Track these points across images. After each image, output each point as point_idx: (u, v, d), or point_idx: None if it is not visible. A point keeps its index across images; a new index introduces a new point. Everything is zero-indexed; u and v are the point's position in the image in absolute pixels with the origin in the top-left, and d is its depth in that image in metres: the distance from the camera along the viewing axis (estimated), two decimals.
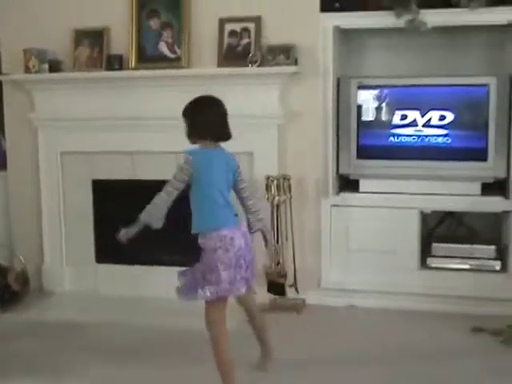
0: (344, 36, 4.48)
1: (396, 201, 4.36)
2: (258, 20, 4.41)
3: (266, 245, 3.48)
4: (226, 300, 3.12)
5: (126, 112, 4.56)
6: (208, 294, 3.05)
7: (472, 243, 4.39)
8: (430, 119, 4.31)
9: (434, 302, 4.29)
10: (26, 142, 4.88)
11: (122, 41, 4.62)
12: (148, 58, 4.59)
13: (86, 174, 4.82)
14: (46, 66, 4.64)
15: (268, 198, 4.34)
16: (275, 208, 4.37)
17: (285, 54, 4.33)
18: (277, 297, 4.46)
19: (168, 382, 3.44)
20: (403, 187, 4.37)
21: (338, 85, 4.41)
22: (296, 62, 4.35)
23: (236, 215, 3.19)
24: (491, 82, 4.17)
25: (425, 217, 4.46)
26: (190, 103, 3.20)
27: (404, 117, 4.36)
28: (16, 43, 4.69)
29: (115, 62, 4.59)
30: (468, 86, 4.29)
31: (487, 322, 3.98)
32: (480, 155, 4.25)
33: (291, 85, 4.40)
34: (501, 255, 4.34)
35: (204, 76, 4.44)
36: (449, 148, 4.32)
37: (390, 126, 4.40)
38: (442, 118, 4.29)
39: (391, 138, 4.40)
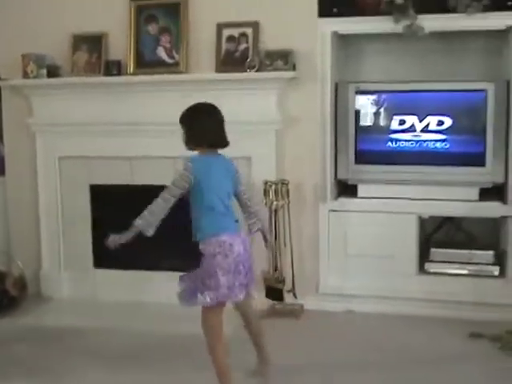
0: (342, 41, 4.49)
1: (394, 206, 4.36)
2: (255, 25, 4.42)
3: (266, 245, 3.51)
4: (223, 305, 3.13)
5: (124, 117, 4.56)
6: (208, 299, 3.06)
7: (470, 248, 4.39)
8: (428, 124, 4.32)
9: (432, 307, 4.28)
10: (24, 147, 4.87)
11: (120, 46, 4.62)
12: (146, 63, 4.59)
13: (84, 179, 4.81)
14: (45, 71, 4.64)
15: (266, 203, 4.33)
16: (273, 213, 4.36)
17: (283, 59, 4.33)
18: (275, 302, 4.46)
19: None
20: (401, 192, 4.37)
21: (336, 90, 4.41)
22: (294, 68, 4.36)
23: (236, 221, 3.19)
24: (489, 87, 4.18)
25: (423, 222, 4.46)
26: (187, 110, 3.20)
27: (402, 122, 4.36)
28: (14, 48, 4.68)
29: (113, 67, 4.60)
30: (466, 91, 4.30)
31: (486, 327, 3.97)
32: (478, 160, 4.25)
33: (289, 90, 4.40)
34: (499, 260, 4.34)
35: (202, 81, 4.45)
36: (447, 153, 4.32)
37: (388, 131, 4.40)
38: (440, 123, 4.29)
39: (389, 143, 4.40)
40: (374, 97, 4.41)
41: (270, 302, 4.45)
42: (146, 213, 3.03)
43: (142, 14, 4.59)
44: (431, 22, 4.12)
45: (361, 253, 4.42)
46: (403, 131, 4.37)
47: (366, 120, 4.43)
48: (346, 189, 4.54)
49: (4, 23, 4.80)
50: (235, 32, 4.46)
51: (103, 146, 4.67)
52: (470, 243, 4.48)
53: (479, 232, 4.55)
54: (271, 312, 4.40)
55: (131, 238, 3.03)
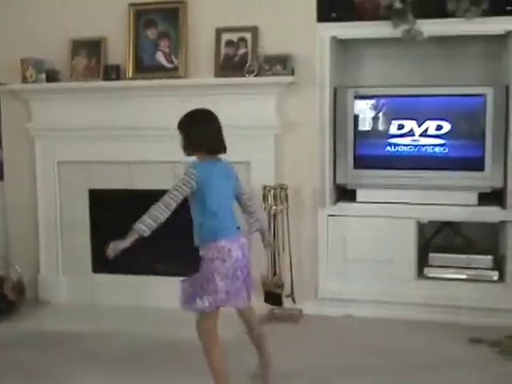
0: (341, 46, 4.49)
1: (393, 211, 4.36)
2: (254, 30, 4.42)
3: (265, 244, 3.51)
4: (219, 310, 3.13)
5: (123, 122, 4.56)
6: (206, 304, 3.06)
7: (469, 253, 4.38)
8: (426, 129, 4.32)
9: (431, 312, 4.28)
10: (23, 152, 4.87)
11: (119, 51, 4.63)
12: (145, 67, 4.60)
13: (82, 184, 4.81)
14: (43, 75, 4.65)
15: (265, 208, 4.33)
16: (272, 218, 4.36)
17: (281, 64, 4.33)
18: (274, 307, 4.45)
19: None
20: (400, 197, 4.37)
21: (335, 95, 4.42)
22: (293, 72, 4.36)
23: (238, 228, 3.20)
24: (488, 92, 4.18)
25: (422, 227, 4.46)
26: (185, 116, 3.20)
27: (401, 126, 4.36)
28: (13, 53, 4.69)
29: (112, 72, 4.60)
30: (465, 96, 4.30)
31: (485, 332, 3.97)
32: (477, 165, 4.25)
33: (288, 95, 4.40)
34: (498, 265, 4.34)
35: (201, 86, 4.45)
36: (446, 158, 4.32)
37: (387, 135, 4.40)
38: (439, 127, 4.30)
39: (388, 148, 4.40)
40: (372, 101, 4.41)
41: (269, 306, 4.44)
42: (146, 217, 3.01)
43: (141, 19, 4.60)
44: (430, 27, 4.13)
45: (360, 257, 4.41)
46: (402, 136, 4.37)
47: (365, 125, 4.43)
48: (345, 193, 4.54)
49: (3, 28, 4.80)
50: (234, 37, 4.46)
51: (102, 150, 4.67)
52: (468, 248, 4.48)
53: (478, 237, 4.55)
54: (270, 317, 4.40)
55: (131, 243, 3.01)
